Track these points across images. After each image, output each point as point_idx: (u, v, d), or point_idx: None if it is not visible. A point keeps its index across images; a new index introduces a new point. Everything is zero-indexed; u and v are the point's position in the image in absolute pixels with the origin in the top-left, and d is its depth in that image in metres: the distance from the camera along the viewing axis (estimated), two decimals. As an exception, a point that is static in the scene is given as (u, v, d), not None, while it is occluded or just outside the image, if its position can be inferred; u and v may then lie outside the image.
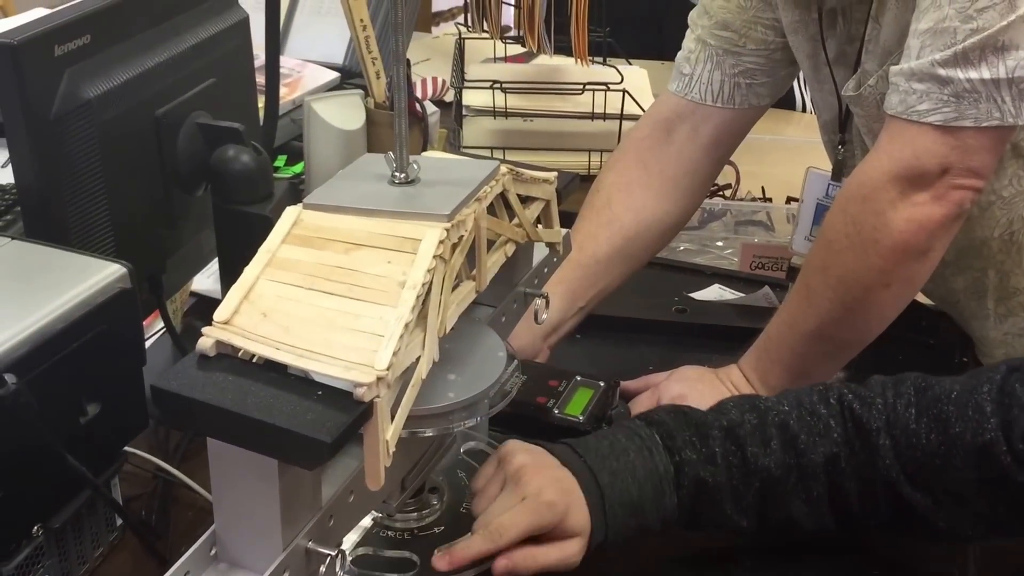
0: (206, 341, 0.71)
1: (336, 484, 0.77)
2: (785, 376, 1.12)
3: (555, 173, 0.94)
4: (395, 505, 0.91)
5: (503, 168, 0.85)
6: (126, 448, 1.02)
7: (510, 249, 0.89)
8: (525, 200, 0.91)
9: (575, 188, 1.02)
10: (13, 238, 0.98)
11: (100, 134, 1.03)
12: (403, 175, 0.80)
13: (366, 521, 0.95)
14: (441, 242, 0.75)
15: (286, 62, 1.79)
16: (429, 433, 0.83)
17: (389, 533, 0.94)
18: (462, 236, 0.78)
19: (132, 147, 1.08)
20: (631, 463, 0.90)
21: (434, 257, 0.74)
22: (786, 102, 1.30)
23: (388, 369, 0.69)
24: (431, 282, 0.74)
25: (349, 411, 0.68)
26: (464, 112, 1.67)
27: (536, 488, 0.88)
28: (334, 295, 0.73)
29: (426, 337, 0.75)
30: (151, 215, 1.13)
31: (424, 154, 0.93)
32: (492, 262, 0.86)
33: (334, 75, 1.74)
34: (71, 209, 1.04)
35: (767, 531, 0.93)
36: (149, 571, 0.98)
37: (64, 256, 0.96)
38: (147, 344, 1.32)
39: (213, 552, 0.75)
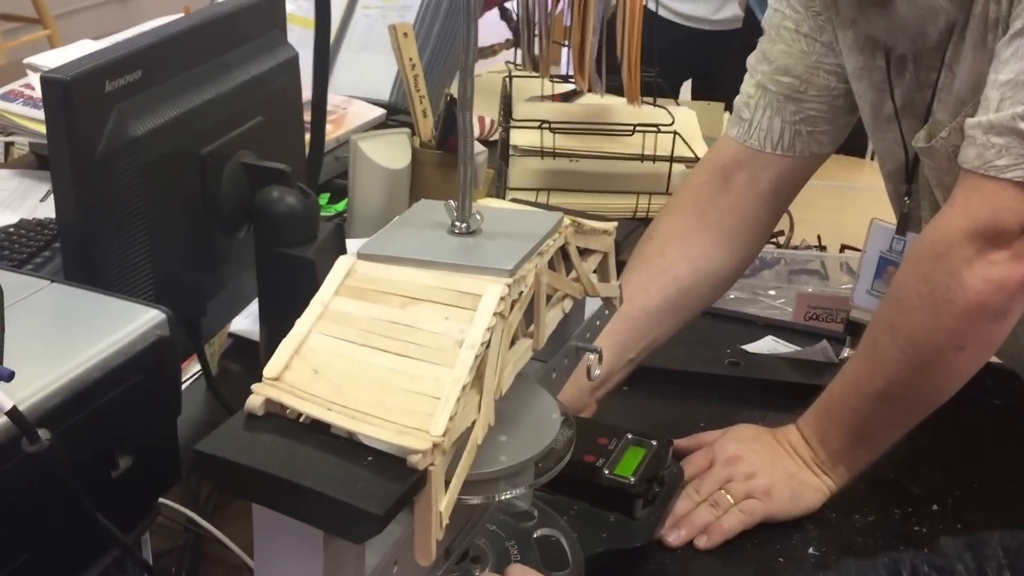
0: (256, 400, 0.67)
1: (379, 553, 0.73)
2: (847, 439, 1.08)
3: (614, 224, 0.90)
4: (439, 575, 0.86)
5: (566, 220, 0.80)
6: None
7: (568, 305, 0.85)
8: (583, 252, 0.87)
9: (637, 237, 0.97)
10: (52, 280, 0.95)
11: (145, 173, 1.00)
12: (464, 225, 0.76)
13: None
14: (502, 299, 0.70)
15: (331, 98, 1.75)
16: (475, 501, 0.78)
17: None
18: (522, 292, 0.74)
19: (176, 186, 1.05)
20: None
21: (494, 315, 0.70)
22: (854, 147, 1.25)
23: (444, 435, 0.65)
24: (489, 341, 0.70)
25: (402, 480, 0.63)
26: (511, 152, 1.63)
27: None
28: (388, 352, 0.69)
29: (482, 399, 0.70)
30: (193, 257, 1.10)
31: (482, 202, 0.89)
32: (551, 318, 0.82)
33: (380, 112, 1.71)
34: (111, 249, 1.01)
35: None
36: (180, 630, 0.94)
37: (102, 301, 0.92)
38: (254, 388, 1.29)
39: (253, 622, 0.71)
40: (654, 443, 1.07)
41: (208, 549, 1.04)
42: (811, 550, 1.06)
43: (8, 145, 1.73)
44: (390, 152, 1.36)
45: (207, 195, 1.08)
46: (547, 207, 0.88)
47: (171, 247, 1.06)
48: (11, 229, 1.46)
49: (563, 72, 1.78)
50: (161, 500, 1.02)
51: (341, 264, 0.74)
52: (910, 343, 1.02)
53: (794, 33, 1.21)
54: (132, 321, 0.90)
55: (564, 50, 1.64)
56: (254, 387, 0.67)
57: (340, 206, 1.60)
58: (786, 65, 1.22)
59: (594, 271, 0.90)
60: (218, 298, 1.16)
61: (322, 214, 1.60)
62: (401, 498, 0.63)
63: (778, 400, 1.24)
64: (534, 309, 0.78)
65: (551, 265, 0.82)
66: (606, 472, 1.04)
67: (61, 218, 0.99)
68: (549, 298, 0.83)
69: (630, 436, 1.08)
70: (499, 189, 1.65)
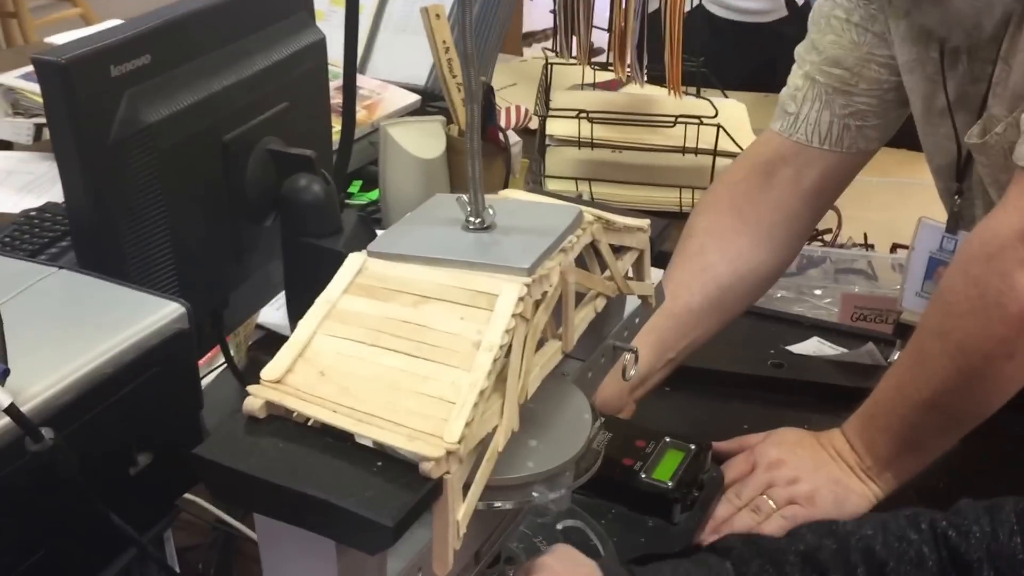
0: (254, 402, 0.64)
1: (404, 559, 0.69)
2: (894, 446, 1.03)
3: (648, 221, 0.85)
4: (471, 578, 0.82)
5: (588, 216, 0.76)
6: (185, 496, 0.95)
7: (600, 304, 0.81)
8: (617, 250, 0.82)
9: (670, 235, 0.93)
10: (61, 267, 0.92)
11: (161, 160, 0.97)
12: (478, 220, 0.72)
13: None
14: (521, 299, 0.66)
15: (366, 82, 1.72)
16: (507, 506, 0.74)
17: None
18: (546, 292, 0.70)
19: (196, 174, 1.02)
20: None
21: (513, 316, 0.66)
22: (909, 141, 1.20)
23: (460, 442, 0.61)
24: (510, 344, 0.66)
25: (415, 489, 0.60)
26: (547, 142, 1.58)
27: None
28: (400, 353, 0.65)
29: (504, 404, 0.66)
30: (215, 246, 1.06)
31: (503, 193, 0.85)
32: (580, 319, 0.78)
33: (415, 98, 1.67)
34: (128, 239, 0.98)
35: None
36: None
37: (116, 291, 0.89)
38: (208, 380, 1.27)
39: (264, 633, 0.67)
40: (693, 447, 1.04)
41: (241, 547, 1.02)
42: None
43: (39, 127, 1.70)
44: (422, 140, 1.32)
45: (230, 183, 1.05)
46: (581, 201, 0.84)
47: (192, 236, 1.03)
48: (33, 213, 1.43)
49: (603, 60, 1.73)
50: (190, 497, 1.00)
51: (351, 262, 0.70)
52: (959, 350, 0.98)
53: (845, 23, 1.16)
54: (149, 314, 0.87)
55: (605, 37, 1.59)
56: (251, 389, 0.64)
57: (373, 194, 1.57)
58: (836, 56, 1.17)
59: (629, 269, 0.86)
60: (243, 288, 1.13)
61: (354, 202, 1.57)
62: (414, 508, 0.60)
63: (823, 403, 1.20)
64: (562, 309, 0.74)
65: (581, 263, 0.78)
66: (643, 476, 1.01)
67: (71, 206, 0.96)
68: (580, 298, 0.79)
69: (668, 439, 1.05)
70: (535, 179, 1.61)
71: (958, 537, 0.80)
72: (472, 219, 0.73)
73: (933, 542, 0.81)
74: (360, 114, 1.60)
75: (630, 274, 0.86)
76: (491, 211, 0.73)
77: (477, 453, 0.65)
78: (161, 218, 0.99)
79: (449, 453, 0.60)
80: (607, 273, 0.80)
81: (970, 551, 0.79)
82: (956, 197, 1.18)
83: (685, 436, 1.05)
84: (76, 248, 0.98)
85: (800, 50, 1.21)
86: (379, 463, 0.61)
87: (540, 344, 0.73)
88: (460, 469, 0.62)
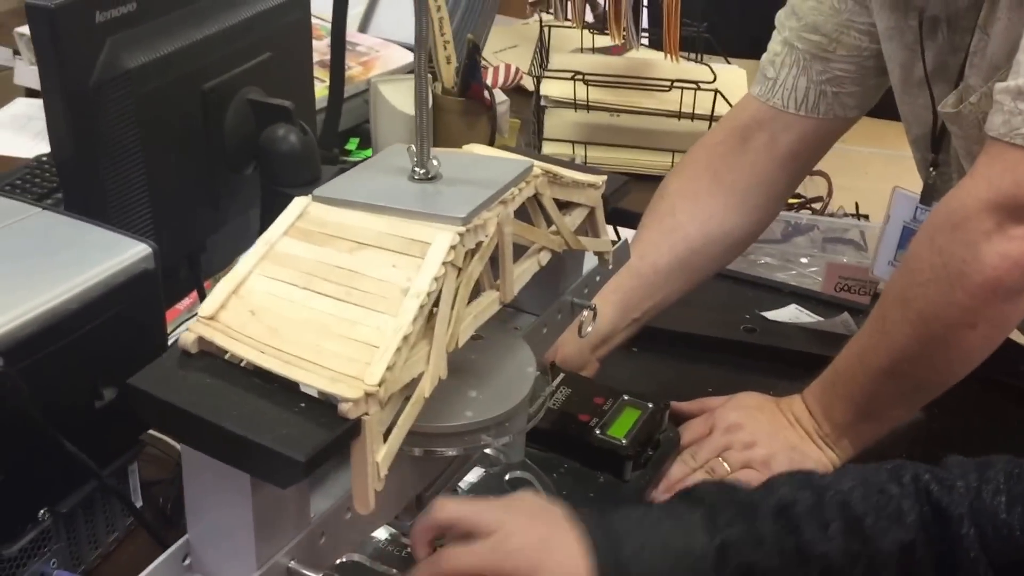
0: (188, 337, 0.66)
1: (331, 498, 0.72)
2: (852, 413, 1.03)
3: (603, 177, 0.86)
4: (410, 524, 0.84)
5: (537, 169, 0.77)
6: (151, 432, 0.98)
7: (544, 258, 0.82)
8: (566, 205, 0.84)
9: (628, 191, 0.94)
10: (44, 208, 0.95)
11: (139, 106, 0.99)
12: (423, 171, 0.74)
13: (381, 533, 0.90)
14: (453, 247, 0.68)
15: (365, 40, 1.73)
16: (448, 453, 0.76)
17: (395, 550, 0.88)
18: (481, 242, 0.71)
19: (175, 120, 1.04)
20: (663, 539, 0.77)
21: (443, 264, 0.67)
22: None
23: (380, 385, 0.63)
24: (440, 291, 0.68)
25: (332, 428, 0.62)
26: (542, 103, 1.59)
27: (504, 534, 0.76)
28: (330, 297, 0.67)
29: (432, 351, 0.68)
30: (192, 192, 1.09)
31: (467, 147, 0.86)
32: (522, 271, 0.79)
33: (412, 57, 1.68)
34: (109, 182, 1.00)
35: None
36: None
37: (89, 231, 0.92)
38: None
39: (187, 562, 0.70)
40: (650, 405, 1.05)
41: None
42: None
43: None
44: (412, 97, 1.33)
45: (209, 130, 1.07)
46: (538, 157, 0.85)
47: (168, 180, 1.05)
48: (44, 158, 1.46)
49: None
50: (156, 434, 1.01)
51: (294, 205, 0.72)
52: (921, 317, 0.98)
53: None
54: (117, 253, 0.89)
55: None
56: (188, 324, 0.66)
57: (369, 152, 1.58)
58: (815, 22, 1.17)
59: (585, 226, 0.87)
60: (221, 234, 1.15)
61: (351, 159, 1.59)
62: (328, 446, 0.61)
63: (792, 370, 1.19)
64: (499, 260, 0.76)
65: (525, 216, 0.79)
66: (598, 432, 1.02)
67: (55, 147, 0.99)
68: (524, 250, 0.81)
69: (626, 397, 1.05)
70: (530, 139, 1.61)
71: (940, 491, 0.78)
72: (417, 169, 0.75)
73: (914, 496, 0.78)
74: (357, 71, 1.62)
75: (585, 230, 0.88)
76: (435, 162, 0.75)
77: (403, 398, 0.67)
78: (138, 161, 1.01)
79: (368, 395, 0.62)
80: (553, 227, 0.82)
81: (952, 506, 0.77)
82: (931, 169, 1.18)
83: (646, 396, 1.05)
84: (63, 189, 1.01)
85: (780, 16, 1.21)
86: (302, 404, 0.63)
87: (478, 295, 0.75)
88: (381, 412, 0.64)
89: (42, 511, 0.88)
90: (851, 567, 0.77)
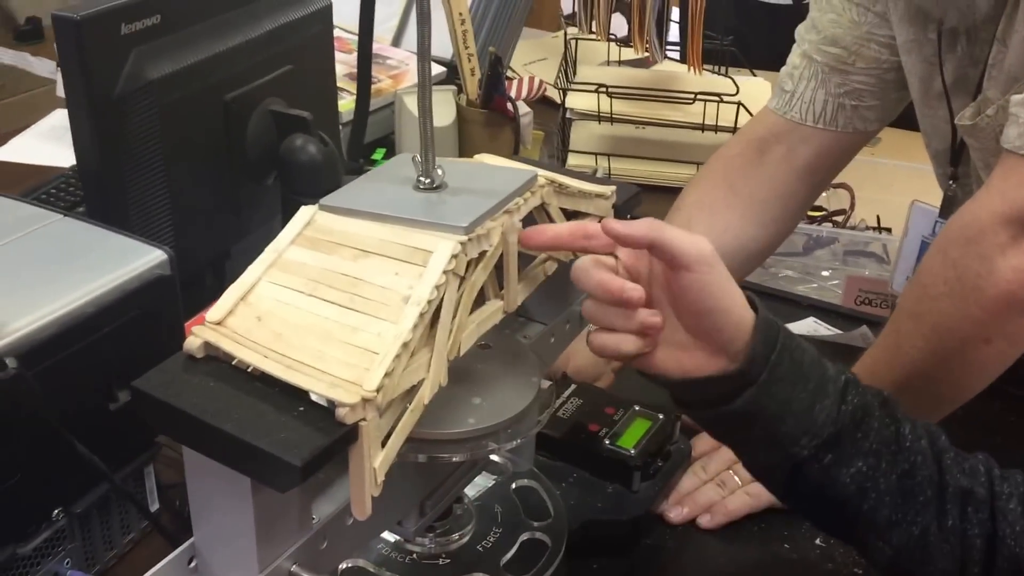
0: (193, 341, 0.67)
1: (334, 503, 0.72)
2: (864, 427, 1.03)
3: (612, 188, 0.87)
4: (413, 530, 0.85)
5: (542, 179, 0.78)
6: (167, 435, 0.99)
7: (551, 268, 0.83)
8: (575, 216, 0.84)
9: (640, 202, 0.94)
10: (65, 215, 0.97)
11: (162, 116, 1.01)
12: (428, 180, 0.75)
13: (386, 538, 0.90)
14: (455, 256, 0.69)
15: (396, 54, 1.75)
16: (453, 459, 0.77)
17: (399, 557, 0.89)
18: (484, 251, 0.72)
19: (197, 130, 1.06)
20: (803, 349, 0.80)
21: (445, 272, 0.68)
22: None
23: (378, 391, 0.64)
24: (441, 299, 0.68)
25: (329, 433, 0.63)
26: (568, 115, 1.60)
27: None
28: (335, 304, 0.68)
29: (432, 359, 0.69)
30: (214, 200, 1.11)
31: (477, 157, 0.87)
32: (528, 281, 0.80)
33: (439, 70, 1.70)
34: (131, 190, 1.03)
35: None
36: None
37: (106, 237, 0.94)
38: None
39: (193, 564, 0.71)
40: (661, 416, 1.05)
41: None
42: (819, 540, 1.02)
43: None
44: (435, 109, 1.35)
45: (231, 141, 1.09)
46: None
47: (190, 189, 1.07)
48: (79, 168, 1.49)
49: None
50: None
51: (302, 214, 0.73)
52: (934, 332, 0.97)
53: (846, 1, 1.15)
54: (134, 259, 0.91)
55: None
56: (193, 329, 0.67)
57: (395, 161, 1.60)
58: (835, 35, 1.17)
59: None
60: (246, 242, 1.17)
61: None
62: (325, 451, 0.62)
63: (807, 383, 1.18)
64: (504, 269, 0.76)
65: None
66: (607, 442, 1.02)
67: (80, 156, 1.02)
68: (531, 260, 0.81)
69: (637, 408, 1.06)
70: (554, 152, 1.62)
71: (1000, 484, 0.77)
72: (422, 179, 0.76)
73: (986, 474, 0.78)
74: (386, 83, 1.64)
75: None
76: (440, 171, 0.76)
77: (404, 404, 0.68)
78: (160, 170, 1.04)
79: (365, 400, 0.63)
80: (560, 238, 0.82)
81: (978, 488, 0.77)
82: (951, 182, 1.17)
83: (658, 407, 1.05)
84: (85, 196, 1.04)
85: (800, 29, 1.21)
86: (302, 408, 0.64)
87: (482, 304, 0.76)
88: (379, 418, 0.65)
89: (56, 511, 0.89)
90: (926, 471, 0.77)
